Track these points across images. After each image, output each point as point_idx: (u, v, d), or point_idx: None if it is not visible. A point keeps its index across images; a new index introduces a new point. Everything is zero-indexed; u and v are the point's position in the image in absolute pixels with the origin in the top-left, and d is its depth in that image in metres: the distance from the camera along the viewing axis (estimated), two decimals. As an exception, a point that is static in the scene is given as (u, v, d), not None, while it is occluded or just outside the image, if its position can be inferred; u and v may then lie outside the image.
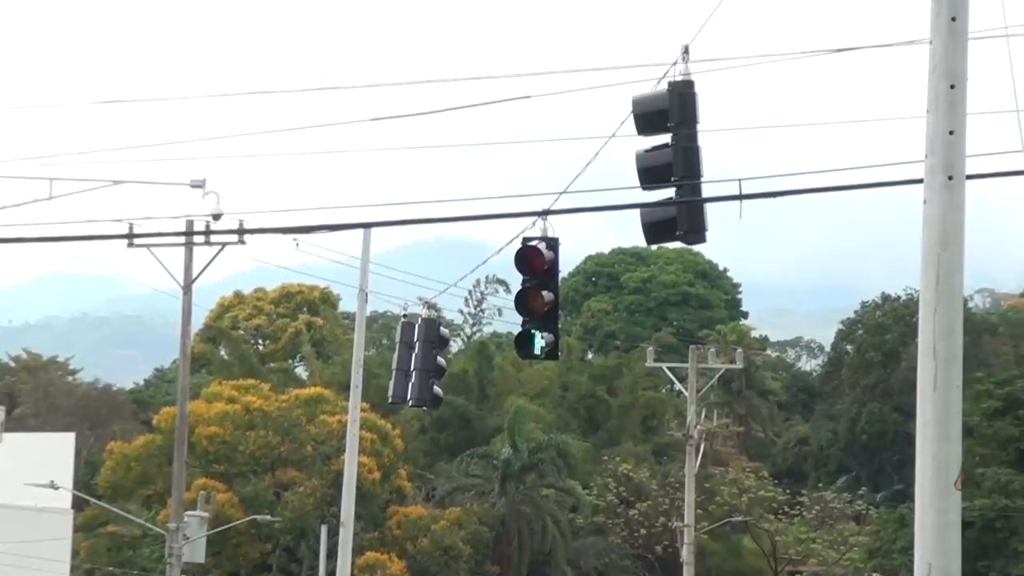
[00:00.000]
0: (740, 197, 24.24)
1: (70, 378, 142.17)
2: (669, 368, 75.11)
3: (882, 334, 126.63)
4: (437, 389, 36.39)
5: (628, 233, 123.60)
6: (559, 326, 26.78)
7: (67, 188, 46.12)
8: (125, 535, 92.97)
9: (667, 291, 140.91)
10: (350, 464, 54.42)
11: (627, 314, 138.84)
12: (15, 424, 60.88)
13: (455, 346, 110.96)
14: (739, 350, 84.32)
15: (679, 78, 22.64)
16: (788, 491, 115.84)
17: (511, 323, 26.28)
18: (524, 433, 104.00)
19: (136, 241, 45.65)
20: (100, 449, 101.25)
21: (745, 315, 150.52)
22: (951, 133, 16.20)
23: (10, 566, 61.22)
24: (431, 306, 42.44)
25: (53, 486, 68.83)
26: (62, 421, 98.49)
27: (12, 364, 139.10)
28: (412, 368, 35.77)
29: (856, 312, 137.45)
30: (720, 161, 23.02)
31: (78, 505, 75.62)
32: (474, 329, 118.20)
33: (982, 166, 19.31)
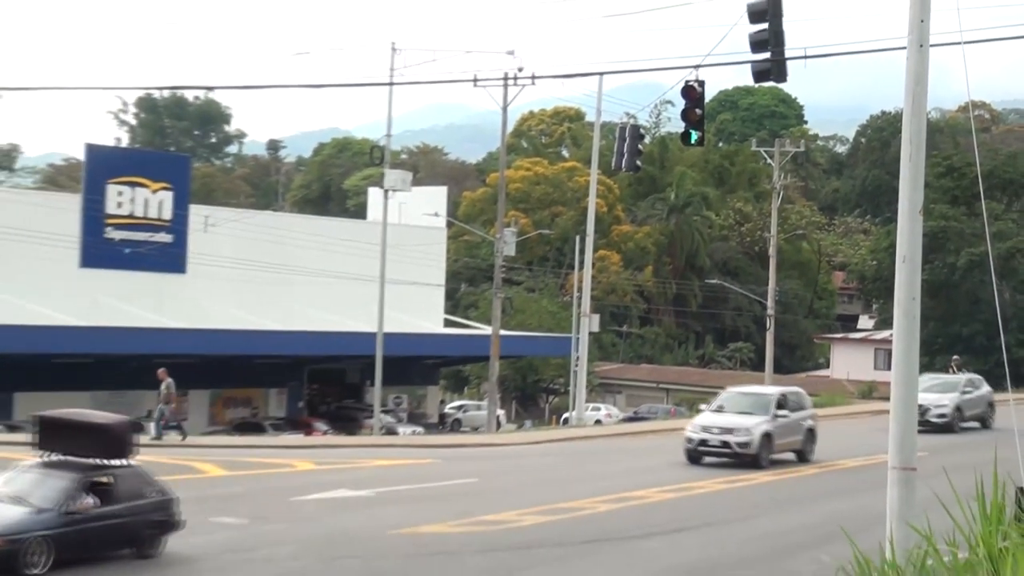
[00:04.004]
0: (805, 57, 24.13)
1: (443, 157, 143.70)
2: (764, 151, 73.88)
3: (881, 132, 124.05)
4: (638, 162, 36.30)
5: (743, 77, 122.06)
6: (704, 128, 26.61)
7: (446, 55, 46.69)
8: (473, 242, 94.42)
9: (763, 108, 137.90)
10: (591, 202, 54.84)
11: (741, 122, 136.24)
12: (416, 182, 61.84)
13: (648, 139, 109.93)
14: (802, 140, 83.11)
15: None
16: (827, 217, 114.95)
17: (678, 127, 25.93)
18: (684, 185, 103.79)
19: (478, 83, 45.73)
20: (459, 195, 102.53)
21: (806, 122, 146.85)
22: (922, 21, 15.92)
23: (410, 264, 61.59)
24: (634, 117, 42.16)
25: (436, 215, 69.97)
26: (440, 180, 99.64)
27: (415, 150, 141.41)
28: (624, 150, 35.64)
29: (868, 120, 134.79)
30: (795, 36, 22.66)
31: (448, 225, 76.72)
32: (656, 130, 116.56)
33: (940, 39, 18.89)
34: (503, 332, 53.69)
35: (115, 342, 48.94)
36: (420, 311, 65.15)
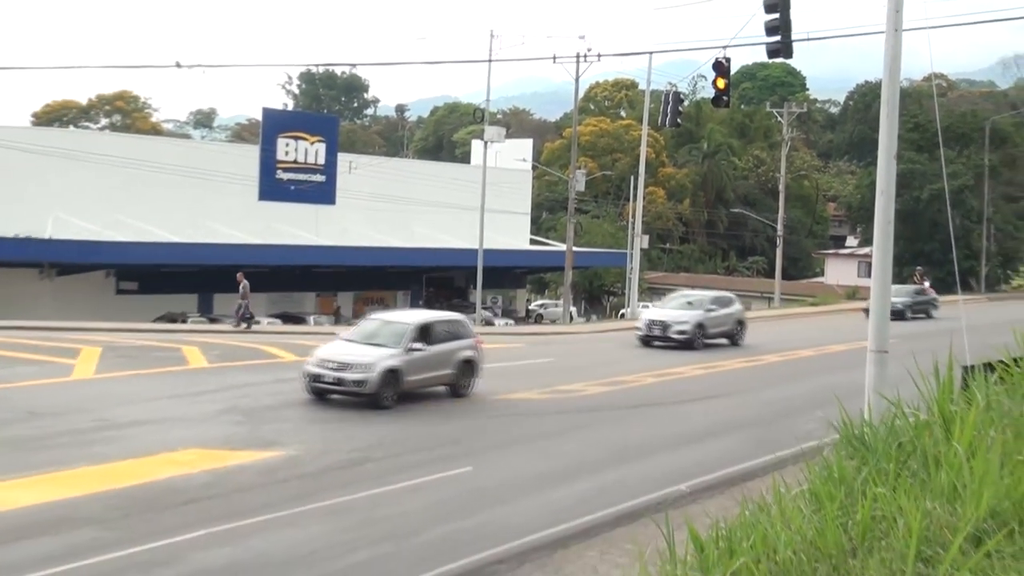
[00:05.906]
0: (808, 39, 23.64)
1: (529, 117, 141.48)
2: (776, 111, 72.43)
3: (865, 96, 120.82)
4: (679, 120, 35.83)
5: (760, 55, 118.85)
6: (730, 94, 26.19)
7: (532, 39, 46.15)
8: (551, 181, 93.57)
9: (775, 79, 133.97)
10: (643, 150, 54.22)
11: (758, 89, 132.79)
12: (509, 136, 61.36)
13: (686, 102, 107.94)
14: (805, 103, 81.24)
15: (783, -13, 21.88)
16: (824, 162, 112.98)
17: (710, 93, 25.12)
18: (714, 137, 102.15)
19: (557, 60, 45.28)
20: (541, 146, 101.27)
21: (808, 89, 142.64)
22: (897, 11, 15.52)
23: (504, 197, 60.58)
24: (676, 86, 41.48)
25: (524, 160, 69.66)
26: (527, 134, 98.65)
27: (508, 111, 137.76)
28: (668, 111, 35.21)
29: (854, 87, 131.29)
30: (800, 23, 22.15)
31: (533, 168, 76.24)
32: (693, 95, 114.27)
33: (910, 25, 18.37)
34: (575, 248, 53.63)
35: (284, 256, 49.83)
36: (511, 233, 65.28)
